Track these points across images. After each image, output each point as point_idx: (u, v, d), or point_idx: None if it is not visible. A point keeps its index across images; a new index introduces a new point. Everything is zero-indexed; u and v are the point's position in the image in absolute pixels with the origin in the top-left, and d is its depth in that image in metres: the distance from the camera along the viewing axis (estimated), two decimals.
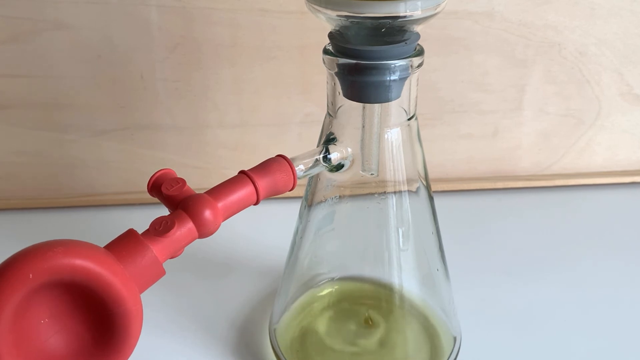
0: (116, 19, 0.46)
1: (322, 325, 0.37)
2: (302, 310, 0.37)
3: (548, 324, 0.40)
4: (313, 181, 0.34)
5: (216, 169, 0.52)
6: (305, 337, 0.36)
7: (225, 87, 0.49)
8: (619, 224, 0.50)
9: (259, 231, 0.49)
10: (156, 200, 0.29)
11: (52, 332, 0.23)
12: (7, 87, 0.48)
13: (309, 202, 0.34)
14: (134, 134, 0.51)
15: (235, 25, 0.47)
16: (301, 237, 0.35)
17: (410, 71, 0.29)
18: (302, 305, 0.37)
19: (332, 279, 0.38)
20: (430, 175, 0.54)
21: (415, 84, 0.30)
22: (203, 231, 0.25)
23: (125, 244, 0.23)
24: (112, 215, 0.51)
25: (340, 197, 0.33)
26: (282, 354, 0.35)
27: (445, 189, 0.54)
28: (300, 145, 0.52)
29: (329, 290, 0.38)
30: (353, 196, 0.33)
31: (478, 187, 0.55)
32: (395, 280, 0.35)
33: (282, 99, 0.50)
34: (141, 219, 0.27)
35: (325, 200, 0.34)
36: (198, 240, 0.44)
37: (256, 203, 0.27)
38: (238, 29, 0.47)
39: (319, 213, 0.34)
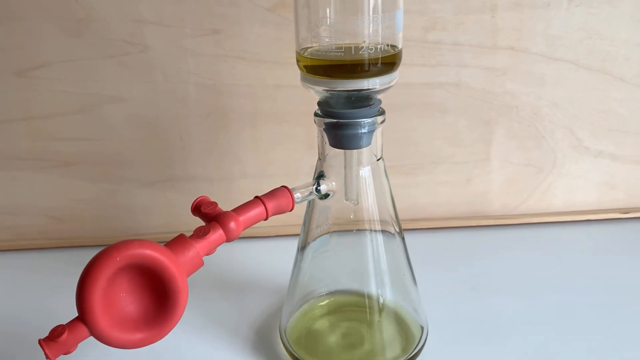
0: (162, 94, 0.54)
1: (321, 325, 0.44)
2: (305, 315, 0.44)
3: (511, 336, 0.45)
4: (309, 215, 0.40)
5: None
6: (309, 334, 0.43)
7: (247, 145, 0.56)
8: (575, 256, 0.55)
9: (270, 260, 0.55)
10: None
11: (128, 303, 0.32)
12: (74, 149, 0.56)
13: (306, 234, 0.41)
14: (174, 185, 0.58)
15: (255, 97, 0.54)
16: (301, 259, 0.42)
17: (376, 126, 0.37)
18: (305, 311, 0.44)
19: (328, 291, 0.44)
20: (415, 216, 0.61)
21: (380, 135, 0.38)
22: (229, 236, 0.34)
23: (177, 243, 0.33)
24: None
25: (330, 228, 0.40)
26: (291, 347, 0.42)
27: (428, 226, 0.60)
28: None
29: (326, 299, 0.44)
30: (341, 227, 0.40)
31: (456, 225, 0.60)
32: (374, 289, 0.41)
33: (293, 154, 0.57)
34: None
35: (320, 231, 0.41)
36: (227, 269, 0.53)
37: (266, 219, 0.36)
38: (257, 99, 0.54)
39: (314, 241, 0.41)
